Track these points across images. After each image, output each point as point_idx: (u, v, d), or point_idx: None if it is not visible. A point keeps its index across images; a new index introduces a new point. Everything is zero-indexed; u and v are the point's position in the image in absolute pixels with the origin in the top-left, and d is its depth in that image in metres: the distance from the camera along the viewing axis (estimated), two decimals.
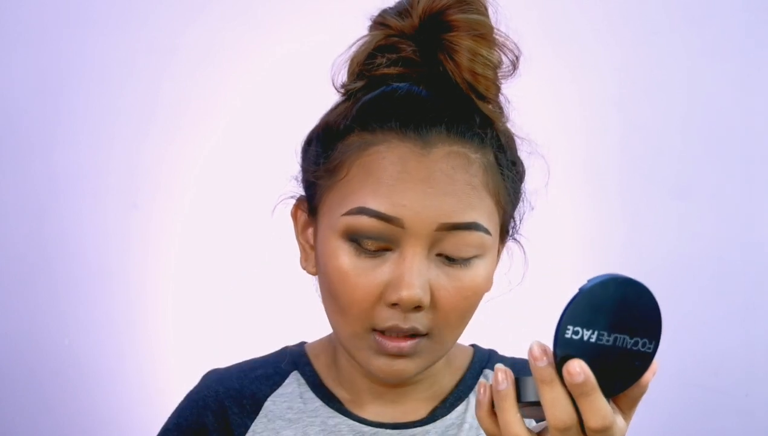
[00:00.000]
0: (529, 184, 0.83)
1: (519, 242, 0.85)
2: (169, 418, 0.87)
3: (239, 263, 1.73)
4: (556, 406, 0.57)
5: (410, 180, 0.72)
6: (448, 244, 0.73)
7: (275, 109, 1.66)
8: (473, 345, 0.91)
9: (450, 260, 0.74)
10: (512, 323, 1.62)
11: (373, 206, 0.72)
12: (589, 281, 0.58)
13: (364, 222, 0.72)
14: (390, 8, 0.78)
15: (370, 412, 0.83)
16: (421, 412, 0.84)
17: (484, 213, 0.75)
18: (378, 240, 0.73)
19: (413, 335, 0.74)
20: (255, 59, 1.76)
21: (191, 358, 1.75)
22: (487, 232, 0.74)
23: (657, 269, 1.72)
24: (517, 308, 1.62)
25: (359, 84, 0.78)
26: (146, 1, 1.80)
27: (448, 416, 0.83)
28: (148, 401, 1.75)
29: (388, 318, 0.73)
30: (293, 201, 0.84)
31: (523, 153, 0.82)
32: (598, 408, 0.57)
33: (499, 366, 0.60)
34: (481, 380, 0.62)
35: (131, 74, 1.80)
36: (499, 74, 0.77)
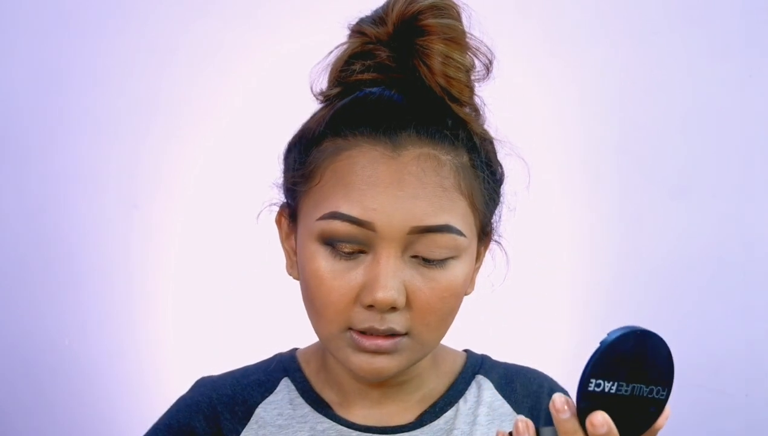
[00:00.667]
0: (510, 186, 0.84)
1: (500, 243, 0.85)
2: (159, 419, 0.88)
3: (239, 263, 1.73)
4: None
5: (380, 184, 0.73)
6: (421, 246, 0.74)
7: (275, 109, 1.66)
8: (466, 350, 0.91)
9: (425, 260, 0.75)
10: (511, 323, 1.63)
11: (345, 211, 0.73)
12: (609, 333, 0.60)
13: (337, 226, 0.73)
14: (366, 16, 0.79)
15: (358, 415, 0.83)
16: (409, 416, 0.84)
17: (457, 215, 0.75)
18: (352, 243, 0.74)
19: (392, 334, 0.75)
20: (255, 59, 1.76)
21: (191, 358, 1.75)
22: (460, 233, 0.75)
23: (657, 269, 1.72)
24: (517, 308, 1.62)
25: (335, 91, 0.79)
26: (146, 1, 1.81)
27: (436, 422, 0.83)
28: (148, 400, 1.75)
29: (365, 320, 0.74)
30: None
31: (501, 155, 0.82)
32: None
33: (520, 417, 0.62)
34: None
35: (131, 74, 1.80)
36: (472, 77, 0.78)
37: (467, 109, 0.78)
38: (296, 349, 0.91)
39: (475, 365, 0.89)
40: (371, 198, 0.73)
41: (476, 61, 0.78)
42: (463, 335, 0.88)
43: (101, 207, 1.81)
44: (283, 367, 0.88)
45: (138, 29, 1.79)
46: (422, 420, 0.83)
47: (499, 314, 1.49)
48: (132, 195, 1.81)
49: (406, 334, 0.75)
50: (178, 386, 0.90)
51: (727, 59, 1.72)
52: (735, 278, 1.72)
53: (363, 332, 0.75)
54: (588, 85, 1.75)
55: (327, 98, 0.80)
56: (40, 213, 1.82)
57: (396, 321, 0.74)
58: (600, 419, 0.58)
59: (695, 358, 1.68)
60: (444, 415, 0.84)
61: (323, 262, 0.75)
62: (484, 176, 0.78)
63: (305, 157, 0.78)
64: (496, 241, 0.85)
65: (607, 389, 0.59)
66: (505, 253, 0.85)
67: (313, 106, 0.82)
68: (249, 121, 1.75)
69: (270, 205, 0.85)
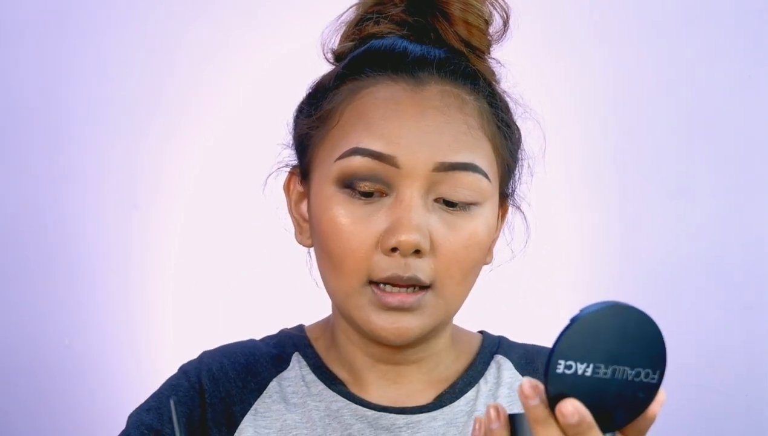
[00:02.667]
0: (526, 151, 0.82)
1: (520, 208, 0.82)
2: (162, 385, 0.83)
3: (239, 263, 1.73)
4: None
5: (403, 117, 0.70)
6: (446, 186, 0.70)
7: (275, 109, 1.66)
8: (482, 332, 0.88)
9: (448, 204, 0.71)
10: (510, 323, 1.62)
11: (367, 145, 0.70)
12: (581, 309, 0.53)
13: (358, 163, 0.70)
14: None
15: (373, 394, 0.79)
16: (427, 396, 0.80)
17: (482, 156, 0.72)
18: (372, 181, 0.70)
19: (415, 287, 0.71)
20: (255, 59, 1.76)
21: (191, 358, 1.75)
22: (485, 176, 0.72)
23: (657, 269, 1.72)
24: (516, 308, 1.62)
25: (349, 45, 0.77)
26: (146, 1, 1.80)
27: (457, 403, 0.80)
28: None
29: (387, 268, 0.70)
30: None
31: (517, 117, 0.80)
32: None
33: (491, 403, 0.56)
34: (485, 409, 0.57)
35: (132, 74, 1.79)
36: (490, 30, 0.77)
37: (484, 64, 0.77)
38: (302, 325, 0.87)
39: (493, 345, 0.85)
40: (394, 131, 0.70)
41: (494, 13, 0.76)
42: None
43: (101, 207, 1.80)
44: (293, 342, 0.84)
45: (138, 29, 1.79)
46: (441, 401, 0.79)
47: (498, 314, 1.49)
48: (132, 195, 1.80)
49: (429, 286, 0.71)
50: None
51: (727, 59, 1.72)
52: (735, 278, 1.72)
53: (385, 285, 0.70)
54: (587, 85, 1.75)
55: (340, 54, 0.78)
56: (40, 213, 1.81)
57: (420, 269, 0.70)
58: (570, 407, 0.51)
59: (695, 358, 1.68)
60: (465, 396, 0.80)
61: (341, 209, 0.71)
62: (504, 128, 0.76)
63: (321, 102, 0.75)
64: (515, 205, 0.81)
65: (580, 372, 0.51)
66: (525, 219, 0.82)
67: None
68: (249, 122, 1.75)
69: (280, 168, 0.82)
